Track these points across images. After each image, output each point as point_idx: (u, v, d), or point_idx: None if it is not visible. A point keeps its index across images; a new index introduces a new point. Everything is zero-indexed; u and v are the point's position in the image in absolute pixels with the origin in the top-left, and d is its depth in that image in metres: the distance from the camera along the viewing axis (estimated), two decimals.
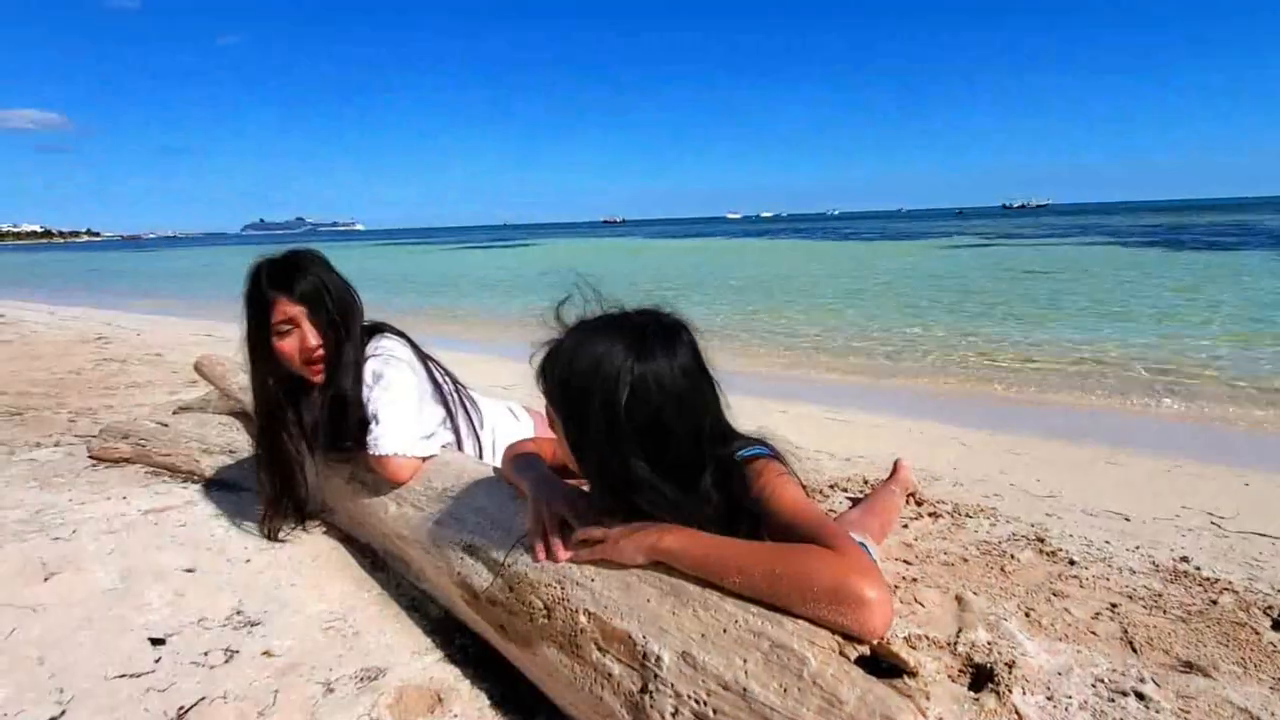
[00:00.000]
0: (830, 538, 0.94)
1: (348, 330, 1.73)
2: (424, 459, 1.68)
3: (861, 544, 1.09)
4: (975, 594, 1.71)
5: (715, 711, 0.89)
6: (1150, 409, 4.20)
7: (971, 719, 1.22)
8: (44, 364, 5.12)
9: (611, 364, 0.97)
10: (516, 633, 1.20)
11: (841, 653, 0.86)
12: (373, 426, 1.66)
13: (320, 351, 1.70)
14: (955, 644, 1.47)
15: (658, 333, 1.01)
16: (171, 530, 1.97)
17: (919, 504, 2.36)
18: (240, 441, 2.48)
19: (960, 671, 1.38)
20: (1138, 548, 2.04)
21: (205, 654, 1.39)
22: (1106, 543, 2.08)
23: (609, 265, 21.83)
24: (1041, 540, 2.08)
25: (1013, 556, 1.96)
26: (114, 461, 2.58)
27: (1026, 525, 2.21)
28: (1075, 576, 1.84)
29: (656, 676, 0.95)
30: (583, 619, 1.07)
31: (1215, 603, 1.69)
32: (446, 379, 1.92)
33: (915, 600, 1.69)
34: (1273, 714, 1.27)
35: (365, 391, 1.70)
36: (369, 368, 1.72)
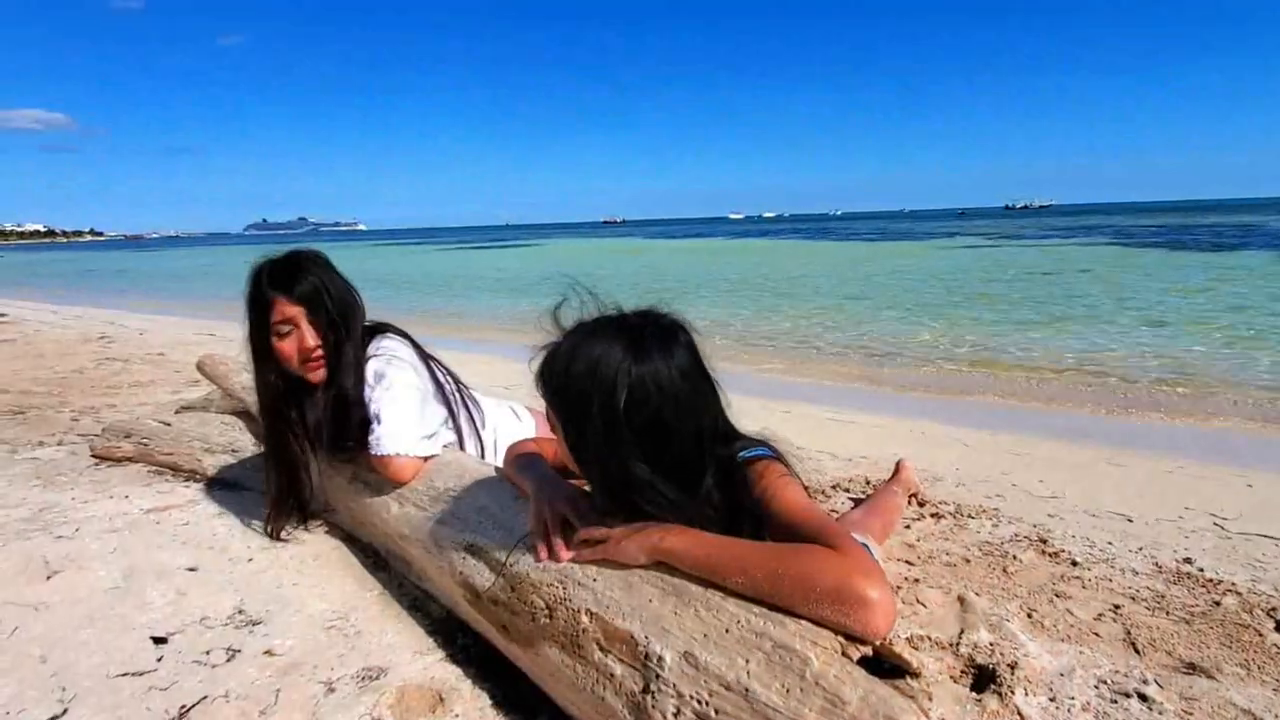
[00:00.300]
0: (832, 538, 0.94)
1: (348, 331, 1.73)
2: (426, 459, 1.68)
3: (863, 544, 1.09)
4: (978, 595, 1.71)
5: (717, 712, 0.88)
6: (1152, 410, 4.19)
7: None
8: (47, 363, 5.13)
9: (609, 366, 0.97)
10: (518, 633, 1.19)
11: (844, 653, 0.86)
12: (375, 426, 1.66)
13: (319, 353, 1.71)
14: (957, 645, 1.46)
15: (655, 334, 1.01)
16: (174, 529, 1.97)
17: (921, 504, 2.36)
18: (242, 441, 2.48)
19: (962, 672, 1.38)
20: (1140, 549, 2.04)
21: (207, 653, 1.39)
22: (1109, 543, 2.07)
23: (610, 266, 21.83)
24: (1044, 541, 2.08)
25: (1015, 557, 1.96)
26: (116, 460, 2.58)
27: (1029, 526, 2.21)
28: (1078, 577, 1.83)
29: (658, 677, 0.95)
30: (585, 619, 1.07)
31: (1218, 604, 1.69)
32: (448, 379, 1.92)
33: (917, 601, 1.69)
34: (1276, 716, 1.26)
35: (367, 391, 1.70)
36: (371, 368, 1.73)
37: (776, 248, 30.62)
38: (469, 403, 1.95)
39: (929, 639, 1.49)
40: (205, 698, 1.26)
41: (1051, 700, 1.28)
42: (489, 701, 1.28)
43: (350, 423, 1.71)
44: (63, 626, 1.47)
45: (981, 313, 8.49)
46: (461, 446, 1.86)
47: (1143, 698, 1.30)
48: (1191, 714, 1.27)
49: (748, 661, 0.89)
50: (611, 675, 1.01)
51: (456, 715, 1.24)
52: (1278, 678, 1.39)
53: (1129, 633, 1.55)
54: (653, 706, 0.94)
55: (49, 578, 1.67)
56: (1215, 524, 2.26)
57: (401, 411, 1.67)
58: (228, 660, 1.37)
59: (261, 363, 1.76)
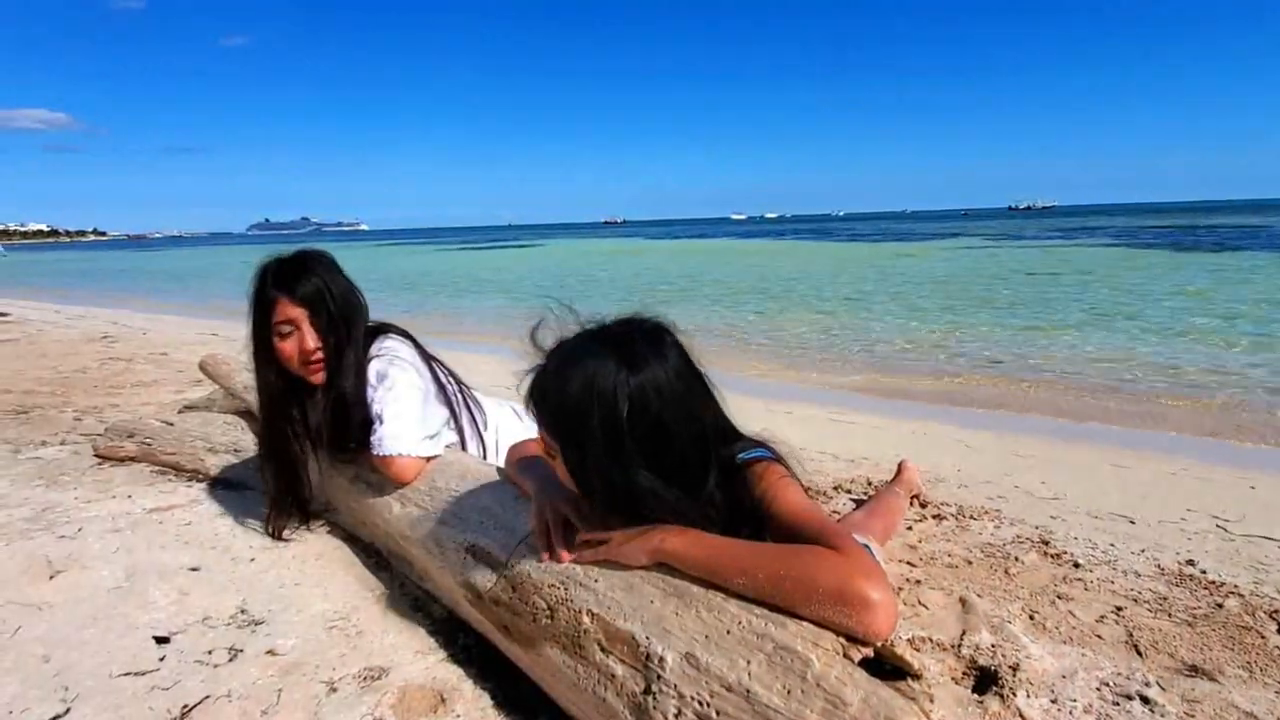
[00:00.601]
0: (833, 539, 0.94)
1: (350, 333, 1.73)
2: (428, 459, 1.68)
3: (865, 546, 1.09)
4: (979, 596, 1.71)
5: (718, 713, 0.88)
6: (1155, 411, 4.18)
7: None
8: (50, 363, 5.14)
9: (605, 380, 0.95)
10: (520, 633, 1.20)
11: (845, 655, 0.86)
12: (377, 427, 1.66)
13: (319, 354, 1.71)
14: (959, 646, 1.46)
15: (643, 340, 1.00)
16: (176, 529, 1.98)
17: (923, 506, 2.36)
18: (245, 441, 2.48)
19: (964, 674, 1.38)
20: (1143, 551, 2.04)
21: (209, 653, 1.40)
22: (1111, 545, 2.07)
23: (608, 268, 21.82)
24: (1046, 543, 2.07)
25: (1017, 559, 1.95)
26: (119, 460, 2.59)
27: (1031, 528, 2.21)
28: (1080, 579, 1.83)
29: (660, 678, 0.95)
30: (586, 620, 1.07)
31: (1221, 606, 1.68)
32: (450, 379, 1.92)
33: (919, 602, 1.69)
34: (1278, 718, 1.26)
35: (369, 392, 1.70)
36: (373, 368, 1.73)
37: (777, 249, 30.61)
38: (471, 403, 1.95)
39: (930, 640, 1.49)
40: (207, 697, 1.26)
41: (1053, 702, 1.28)
42: (490, 702, 1.28)
43: (350, 424, 1.71)
44: (65, 626, 1.47)
45: (983, 314, 8.48)
46: (463, 447, 1.86)
47: (1145, 700, 1.30)
48: (1194, 716, 1.27)
49: (749, 663, 0.89)
50: (613, 676, 1.01)
51: (458, 715, 1.24)
52: None
53: (1131, 635, 1.55)
54: (654, 707, 0.94)
55: (52, 577, 1.68)
56: (1218, 526, 2.26)
57: (404, 412, 1.68)
58: (230, 660, 1.38)
59: (263, 362, 1.76)
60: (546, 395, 1.02)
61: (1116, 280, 11.79)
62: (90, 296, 14.79)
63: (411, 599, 1.63)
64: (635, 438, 0.96)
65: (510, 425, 2.05)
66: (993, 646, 1.46)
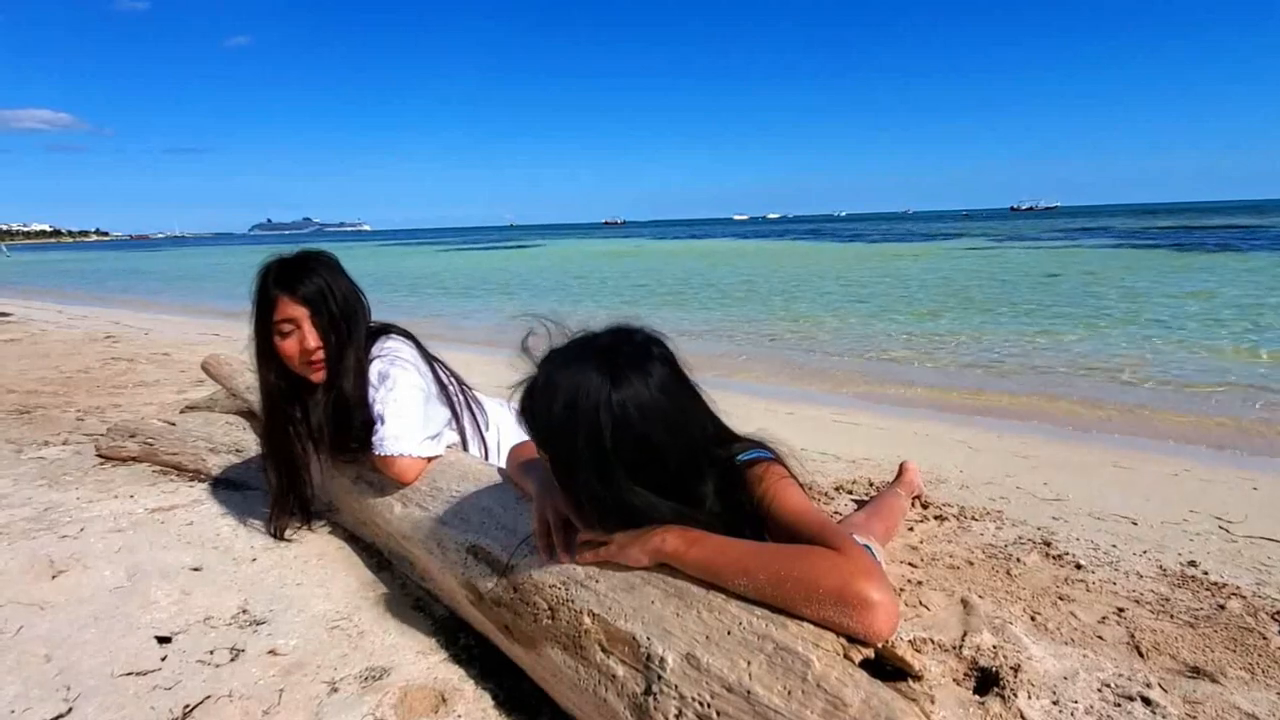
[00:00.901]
0: (834, 540, 0.94)
1: (350, 333, 1.73)
2: (429, 459, 1.68)
3: (866, 546, 1.09)
4: (981, 597, 1.71)
5: (719, 714, 0.88)
6: (1157, 412, 4.17)
7: None
8: (52, 363, 5.15)
9: (588, 398, 0.94)
10: (521, 633, 1.20)
11: (846, 655, 0.86)
12: (378, 427, 1.66)
13: (319, 354, 1.71)
14: (960, 647, 1.46)
15: (629, 354, 0.98)
16: (178, 529, 1.98)
17: (925, 506, 2.35)
18: (247, 441, 2.49)
19: (965, 675, 1.38)
20: (1145, 552, 2.03)
21: (211, 652, 1.40)
22: (1113, 546, 2.07)
23: (612, 268, 21.82)
24: (1048, 544, 2.07)
25: (1019, 560, 1.95)
26: (121, 460, 2.59)
27: (1033, 529, 2.21)
28: (1082, 580, 1.83)
29: (660, 678, 0.95)
30: (587, 620, 1.07)
31: (1223, 608, 1.68)
32: (452, 380, 1.92)
33: (920, 603, 1.69)
34: None
35: (371, 392, 1.71)
36: (374, 369, 1.73)
37: (777, 250, 30.59)
38: (472, 404, 1.96)
39: (932, 641, 1.49)
40: (209, 697, 1.26)
41: (1054, 703, 1.28)
42: (491, 702, 1.28)
43: (351, 424, 1.71)
44: (67, 626, 1.48)
45: (984, 315, 8.46)
46: (465, 447, 1.87)
47: (1146, 701, 1.29)
48: (1195, 718, 1.26)
49: (749, 663, 0.89)
50: (613, 676, 1.01)
51: (459, 715, 1.24)
52: None
53: (1133, 636, 1.55)
54: (654, 708, 0.94)
55: (54, 577, 1.68)
56: (1220, 527, 2.25)
57: (405, 412, 1.68)
58: (231, 660, 1.38)
59: (264, 361, 1.77)
60: (535, 412, 1.01)
61: (1118, 281, 11.77)
62: (93, 296, 14.81)
63: (413, 599, 1.64)
64: (621, 456, 0.95)
65: (511, 426, 2.05)
66: (994, 648, 1.45)
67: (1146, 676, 1.37)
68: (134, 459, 2.58)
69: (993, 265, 16.76)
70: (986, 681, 1.35)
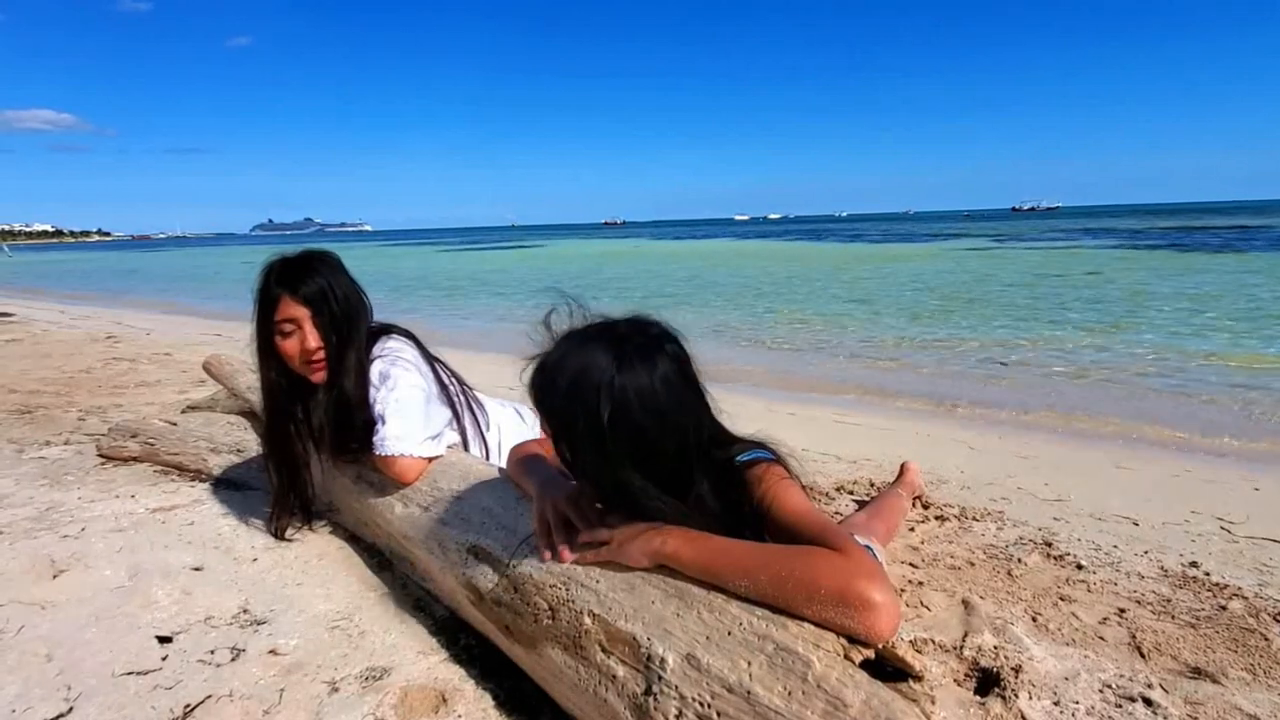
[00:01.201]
0: (835, 540, 0.94)
1: (351, 334, 1.73)
2: (430, 460, 1.68)
3: (867, 547, 1.09)
4: (982, 598, 1.71)
5: (719, 714, 0.88)
6: (1158, 413, 4.17)
7: None
8: (54, 363, 5.16)
9: (591, 380, 0.96)
10: (521, 633, 1.20)
11: (846, 656, 0.86)
12: (379, 427, 1.66)
13: (320, 354, 1.71)
14: (961, 648, 1.46)
15: (640, 344, 1.00)
16: (179, 529, 1.98)
17: (926, 507, 2.35)
18: (248, 441, 2.49)
19: (966, 675, 1.38)
20: (1146, 552, 2.03)
21: (212, 652, 1.40)
22: (1115, 547, 2.07)
23: (610, 269, 21.81)
24: (1049, 544, 2.07)
25: (1020, 560, 1.95)
26: (123, 460, 2.59)
27: (1034, 529, 2.20)
28: (1083, 581, 1.83)
29: (660, 679, 0.95)
30: (587, 620, 1.07)
31: (1224, 608, 1.68)
32: (453, 380, 1.92)
33: (921, 604, 1.69)
34: None
35: (372, 392, 1.71)
36: (375, 369, 1.73)
37: (778, 250, 30.57)
38: (473, 404, 1.96)
39: (932, 642, 1.49)
40: (210, 697, 1.26)
41: (1055, 704, 1.28)
42: (491, 702, 1.28)
43: (352, 424, 1.71)
44: (68, 625, 1.48)
45: (984, 316, 8.46)
46: (466, 448, 1.87)
47: (1147, 702, 1.29)
48: (1196, 718, 1.26)
49: (750, 664, 0.89)
50: (614, 677, 1.01)
51: (459, 715, 1.24)
52: None
53: (1134, 637, 1.55)
54: (655, 708, 0.94)
55: (55, 577, 1.68)
56: (1222, 528, 2.25)
57: (406, 412, 1.68)
58: (232, 660, 1.38)
59: (265, 360, 1.77)
60: (542, 386, 1.03)
61: (1119, 282, 11.76)
62: (94, 296, 14.83)
63: (413, 599, 1.64)
64: (618, 438, 0.97)
65: (512, 426, 2.05)
66: (995, 648, 1.45)
67: (1148, 677, 1.37)
68: (135, 459, 2.58)
69: (994, 266, 16.75)
70: (987, 682, 1.35)
